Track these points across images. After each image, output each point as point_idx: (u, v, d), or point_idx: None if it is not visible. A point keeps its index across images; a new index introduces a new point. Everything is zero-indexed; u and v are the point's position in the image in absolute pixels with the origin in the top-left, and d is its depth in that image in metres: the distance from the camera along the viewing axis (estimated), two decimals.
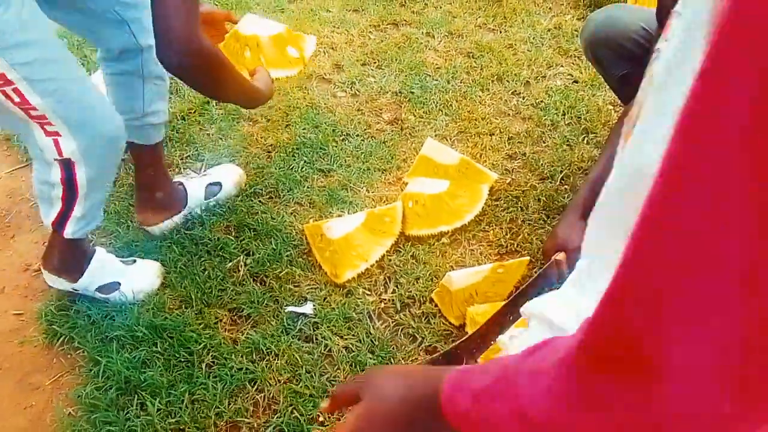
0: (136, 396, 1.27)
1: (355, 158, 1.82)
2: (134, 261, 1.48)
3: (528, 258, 1.51)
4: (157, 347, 1.36)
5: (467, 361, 1.24)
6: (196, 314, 1.42)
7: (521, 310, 1.06)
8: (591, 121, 1.94)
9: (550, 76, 2.14)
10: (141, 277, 1.45)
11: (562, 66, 2.19)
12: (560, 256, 1.31)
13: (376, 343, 1.37)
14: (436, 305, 1.45)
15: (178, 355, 1.34)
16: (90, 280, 1.41)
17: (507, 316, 1.28)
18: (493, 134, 1.92)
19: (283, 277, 1.50)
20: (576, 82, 2.12)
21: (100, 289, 1.42)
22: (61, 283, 1.41)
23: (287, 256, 1.54)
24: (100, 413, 1.25)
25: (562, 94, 2.03)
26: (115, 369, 1.31)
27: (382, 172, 1.78)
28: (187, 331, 1.38)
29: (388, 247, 1.55)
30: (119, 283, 1.43)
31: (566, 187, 1.74)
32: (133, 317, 1.39)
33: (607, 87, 1.79)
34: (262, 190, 1.70)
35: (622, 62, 1.50)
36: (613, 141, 1.36)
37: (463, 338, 1.25)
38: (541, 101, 2.03)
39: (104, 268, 1.42)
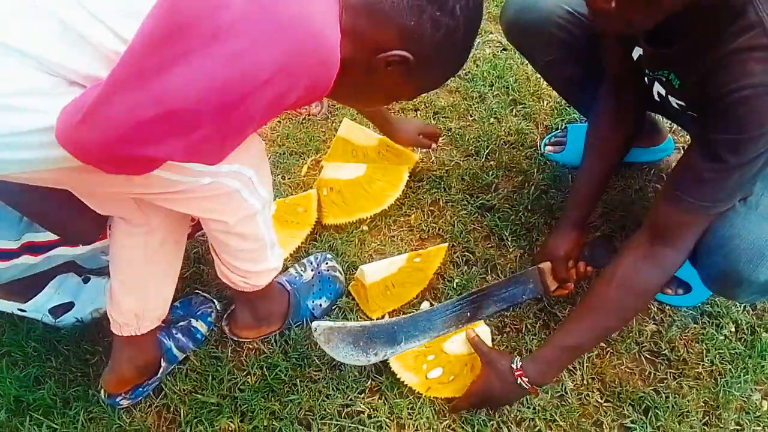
0: (28, 417, 1.19)
1: (270, 141, 1.71)
2: (89, 278, 1.35)
3: (447, 244, 1.46)
4: (51, 362, 1.26)
5: (406, 341, 1.23)
6: (93, 325, 1.32)
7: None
8: (519, 91, 1.87)
9: (478, 45, 2.05)
10: (96, 295, 1.32)
11: (491, 33, 2.10)
12: (545, 265, 1.29)
13: (290, 343, 1.30)
14: (353, 299, 1.39)
15: (73, 371, 1.25)
16: (44, 300, 1.28)
17: (465, 312, 1.25)
18: (418, 109, 1.83)
19: (189, 276, 1.41)
20: (505, 49, 2.03)
21: (53, 310, 1.30)
22: (3, 306, 1.27)
23: (194, 254, 1.45)
24: None
25: (490, 64, 1.95)
26: (5, 389, 1.22)
27: (300, 156, 1.69)
28: (83, 344, 1.28)
29: (303, 239, 1.47)
30: (73, 303, 1.32)
31: (491, 163, 1.68)
32: (23, 332, 1.29)
33: None
34: None
35: (546, 49, 1.40)
36: (593, 149, 1.31)
37: (407, 317, 1.23)
38: (469, 72, 1.94)
39: (62, 286, 1.30)
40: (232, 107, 0.71)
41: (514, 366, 1.14)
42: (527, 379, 1.13)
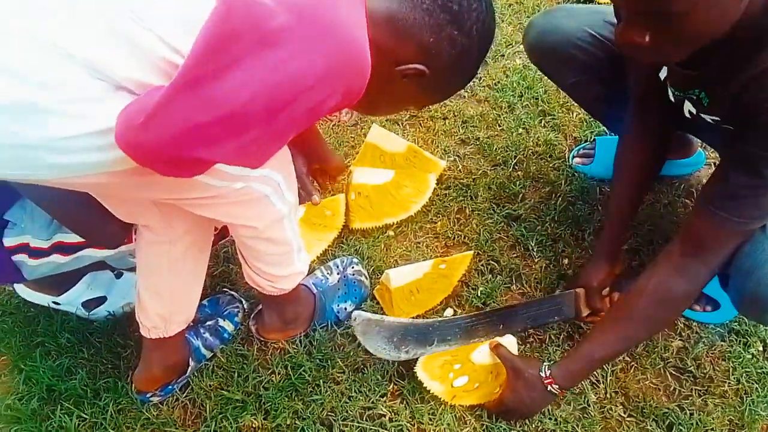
0: (59, 406, 1.22)
1: None
2: (122, 274, 1.39)
3: (472, 252, 1.46)
4: (83, 354, 1.30)
5: (438, 343, 1.24)
6: (124, 319, 1.35)
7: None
8: (548, 102, 1.87)
9: (508, 55, 2.05)
10: (128, 290, 1.36)
11: (521, 44, 2.10)
12: (580, 290, 1.31)
13: (314, 344, 1.32)
14: (377, 303, 1.40)
15: (104, 362, 1.29)
16: (77, 294, 1.33)
17: (498, 324, 1.28)
18: (447, 118, 1.84)
19: (218, 275, 1.44)
20: None
21: (86, 303, 1.35)
22: (39, 298, 1.32)
23: (224, 253, 1.48)
24: (21, 425, 1.20)
25: (520, 75, 1.96)
26: (38, 378, 1.26)
27: None
28: (114, 337, 1.32)
29: (330, 242, 1.49)
30: (106, 298, 1.36)
31: (519, 173, 1.68)
32: (57, 323, 1.33)
33: None
34: None
35: (569, 71, 1.41)
36: (622, 176, 1.31)
37: (445, 319, 1.24)
38: (498, 82, 1.95)
39: (95, 281, 1.34)
40: (278, 111, 0.74)
41: (543, 374, 1.14)
42: (557, 387, 1.14)
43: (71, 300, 1.33)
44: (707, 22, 0.85)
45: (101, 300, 1.36)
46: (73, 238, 1.20)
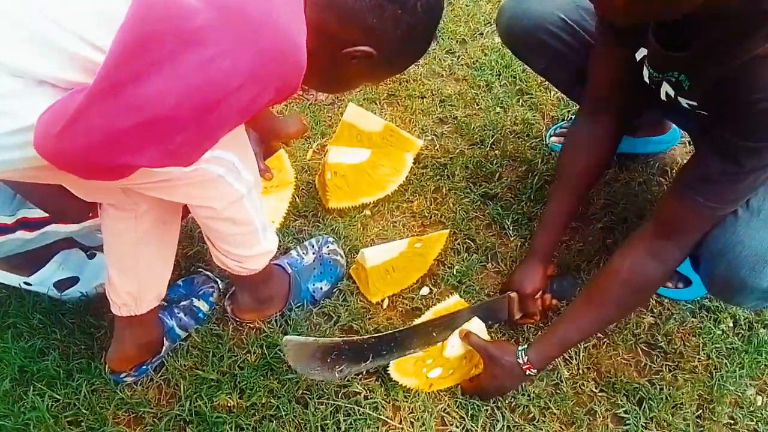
0: (32, 387, 1.21)
1: None
2: (94, 254, 1.37)
3: (448, 231, 1.47)
4: (56, 335, 1.29)
5: (373, 359, 1.20)
6: (97, 299, 1.34)
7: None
8: (526, 81, 1.87)
9: (486, 34, 2.04)
10: (101, 270, 1.32)
11: None
12: (514, 294, 1.29)
13: (290, 323, 1.32)
14: (354, 282, 1.40)
15: (77, 343, 1.28)
16: (48, 274, 1.31)
17: (432, 333, 1.25)
18: (425, 97, 1.83)
19: (192, 255, 1.43)
20: None
21: (57, 284, 1.33)
22: (9, 279, 1.29)
23: (198, 233, 1.46)
24: None
25: (498, 53, 1.95)
26: (10, 359, 1.24)
27: (305, 140, 1.70)
28: (87, 317, 1.31)
29: (290, 198, 1.46)
30: (78, 278, 1.34)
31: (496, 152, 1.68)
32: (28, 304, 1.31)
33: None
34: None
35: (540, 56, 1.40)
36: (564, 182, 1.31)
37: (377, 336, 1.22)
38: (476, 61, 1.94)
39: (66, 261, 1.32)
40: (206, 113, 0.72)
41: (520, 361, 1.16)
42: (535, 370, 1.16)
43: (42, 280, 1.32)
44: None
45: (74, 280, 1.34)
46: (38, 213, 1.18)
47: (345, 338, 1.23)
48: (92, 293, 1.34)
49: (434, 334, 1.26)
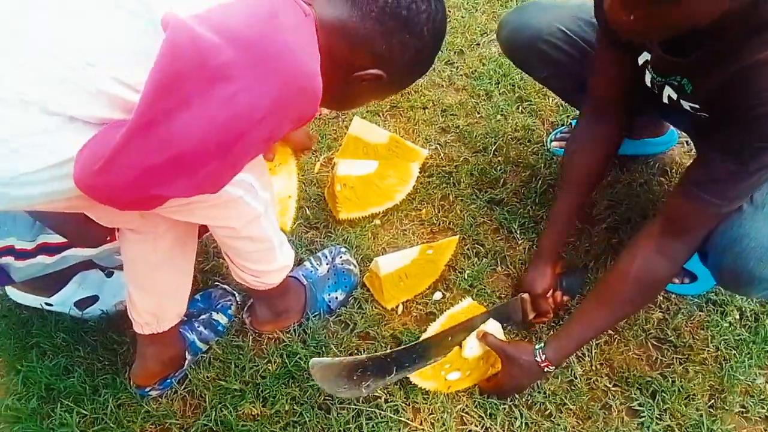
0: (59, 404, 1.24)
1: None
2: (112, 273, 1.40)
3: (458, 237, 1.50)
4: (79, 352, 1.31)
5: (397, 371, 1.23)
6: (118, 316, 1.37)
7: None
8: (525, 88, 1.91)
9: (483, 44, 2.10)
10: (120, 288, 1.36)
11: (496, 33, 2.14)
12: (526, 295, 1.33)
13: (308, 332, 1.35)
14: (368, 290, 1.44)
15: (101, 359, 1.30)
16: (69, 294, 1.34)
17: (448, 337, 1.28)
18: (427, 107, 1.88)
19: (209, 270, 1.46)
20: None
21: (78, 303, 1.36)
22: (30, 300, 1.33)
23: (213, 248, 1.50)
24: (22, 424, 1.21)
25: (496, 63, 2.00)
26: (36, 378, 1.27)
27: (312, 154, 1.74)
28: (109, 334, 1.34)
29: (296, 170, 1.46)
30: (98, 297, 1.37)
31: (499, 158, 1.72)
32: (51, 324, 1.34)
33: None
34: None
35: (541, 66, 1.45)
36: (568, 181, 1.34)
37: (399, 349, 1.25)
38: (475, 70, 1.99)
39: (85, 281, 1.36)
40: (231, 145, 0.77)
41: (538, 359, 1.19)
42: (553, 368, 1.20)
43: (63, 300, 1.35)
44: (696, 11, 0.86)
45: (93, 299, 1.37)
46: (57, 238, 1.22)
47: (369, 355, 1.26)
48: (112, 311, 1.37)
49: (451, 340, 1.29)
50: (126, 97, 0.77)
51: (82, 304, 1.37)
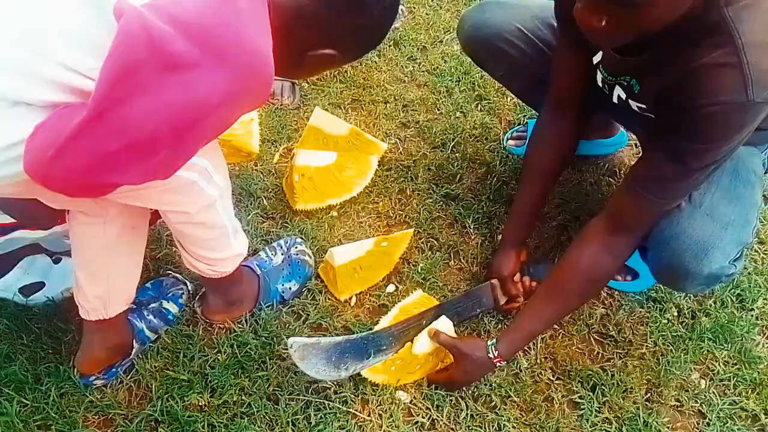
0: None
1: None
2: (60, 259, 1.36)
3: (413, 230, 1.52)
4: (22, 340, 1.28)
5: (375, 354, 1.24)
6: (64, 304, 1.34)
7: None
8: (484, 87, 1.94)
9: (447, 41, 2.12)
10: (67, 275, 1.32)
11: None
12: (496, 281, 1.36)
13: (260, 323, 1.35)
14: (322, 281, 1.44)
15: (45, 348, 1.28)
16: (13, 280, 1.30)
17: (422, 320, 1.30)
18: (388, 102, 1.89)
19: (161, 258, 1.44)
20: None
21: (23, 289, 1.32)
22: None
23: (166, 236, 1.48)
24: None
25: (458, 60, 2.02)
26: None
27: (272, 144, 1.73)
28: (55, 321, 1.31)
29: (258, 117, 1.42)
30: (44, 283, 1.33)
31: (457, 155, 1.75)
32: None
33: None
34: None
35: (499, 64, 1.48)
36: (531, 172, 1.38)
37: (377, 330, 1.26)
38: (437, 67, 2.01)
39: (32, 266, 1.32)
40: (186, 132, 0.77)
41: (491, 356, 1.22)
42: (504, 363, 1.24)
43: (8, 286, 1.31)
44: (664, 13, 0.89)
45: (39, 285, 1.34)
46: (5, 218, 1.18)
47: (346, 336, 1.27)
48: (59, 298, 1.34)
49: (425, 323, 1.32)
50: (74, 83, 0.76)
51: (26, 290, 1.33)
